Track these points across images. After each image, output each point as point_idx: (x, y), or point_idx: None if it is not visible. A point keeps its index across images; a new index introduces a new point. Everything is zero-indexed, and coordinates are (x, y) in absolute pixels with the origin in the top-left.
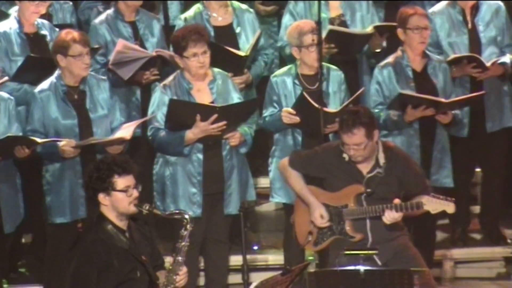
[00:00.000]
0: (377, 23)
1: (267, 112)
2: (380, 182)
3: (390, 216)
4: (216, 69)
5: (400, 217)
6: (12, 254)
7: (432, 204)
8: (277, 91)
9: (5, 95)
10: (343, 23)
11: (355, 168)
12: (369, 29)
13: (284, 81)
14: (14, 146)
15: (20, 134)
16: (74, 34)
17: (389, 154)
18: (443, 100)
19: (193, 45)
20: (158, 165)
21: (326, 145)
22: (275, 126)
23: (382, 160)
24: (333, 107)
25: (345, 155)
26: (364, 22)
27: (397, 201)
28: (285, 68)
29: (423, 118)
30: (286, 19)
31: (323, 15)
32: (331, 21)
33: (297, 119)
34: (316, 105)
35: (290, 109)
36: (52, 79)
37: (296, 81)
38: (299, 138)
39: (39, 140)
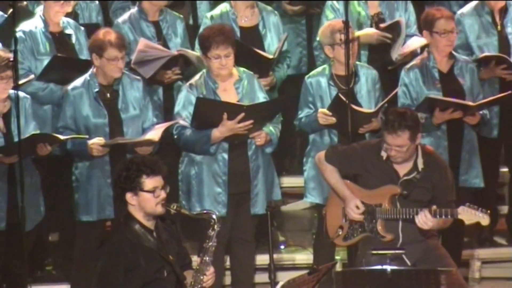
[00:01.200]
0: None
1: (303, 113)
2: (415, 186)
3: (423, 219)
4: (242, 69)
5: (432, 224)
6: (37, 252)
7: (467, 214)
8: (312, 92)
9: (20, 94)
10: (382, 21)
11: (391, 168)
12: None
13: (318, 82)
14: (37, 144)
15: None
16: (112, 36)
17: (428, 159)
18: (470, 103)
19: (216, 46)
20: (183, 164)
21: (365, 142)
22: (311, 127)
23: (420, 166)
24: (367, 107)
25: (383, 154)
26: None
27: (434, 207)
28: (319, 69)
29: (451, 119)
30: (327, 15)
31: (362, 12)
32: (370, 19)
33: (333, 119)
34: (352, 106)
35: (326, 110)
36: (86, 76)
37: (331, 82)
38: (335, 138)
39: (61, 137)
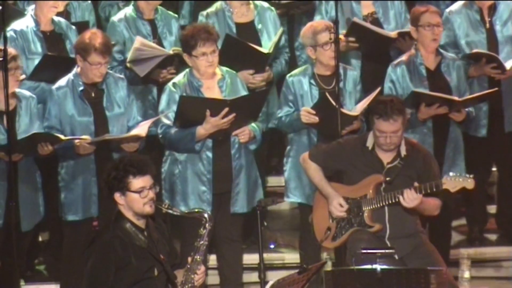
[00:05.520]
0: (402, 30)
1: (282, 112)
2: (399, 173)
3: (409, 197)
4: (224, 68)
5: (418, 201)
6: (29, 252)
7: (451, 183)
8: (293, 90)
9: (26, 93)
10: (376, 21)
11: (376, 158)
12: (393, 34)
13: (300, 81)
14: (37, 144)
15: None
16: (97, 41)
17: (410, 147)
18: (456, 98)
19: (203, 44)
20: (166, 163)
21: (349, 137)
22: (293, 126)
23: (403, 152)
24: (348, 107)
25: (368, 144)
26: (397, 20)
27: (416, 184)
28: (301, 68)
29: (437, 116)
30: (316, 18)
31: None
32: (364, 19)
33: (316, 119)
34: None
35: (309, 109)
36: (70, 76)
37: (313, 81)
38: (315, 138)
39: (63, 137)
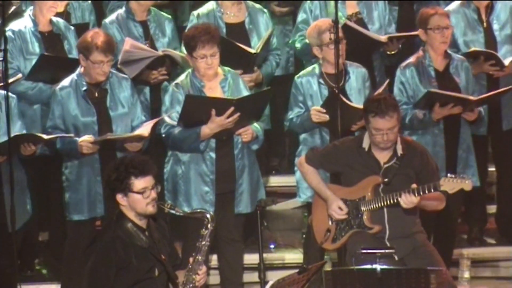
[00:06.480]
0: (392, 34)
1: (293, 113)
2: (397, 173)
3: (408, 200)
4: (226, 68)
5: (418, 201)
6: (27, 252)
7: (449, 184)
8: (303, 91)
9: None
10: (360, 21)
11: (373, 158)
12: (383, 38)
13: (309, 81)
14: (20, 144)
15: (24, 131)
16: (100, 40)
17: (407, 146)
18: (472, 97)
19: (202, 46)
20: (169, 164)
21: (344, 139)
22: (304, 127)
23: (400, 151)
24: (358, 104)
25: (364, 145)
26: (381, 20)
27: (414, 185)
28: (309, 68)
29: (449, 116)
30: (301, 16)
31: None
32: (348, 18)
33: (326, 117)
34: (347, 102)
35: (319, 108)
36: (73, 76)
37: (321, 80)
38: (327, 137)
39: (45, 136)
